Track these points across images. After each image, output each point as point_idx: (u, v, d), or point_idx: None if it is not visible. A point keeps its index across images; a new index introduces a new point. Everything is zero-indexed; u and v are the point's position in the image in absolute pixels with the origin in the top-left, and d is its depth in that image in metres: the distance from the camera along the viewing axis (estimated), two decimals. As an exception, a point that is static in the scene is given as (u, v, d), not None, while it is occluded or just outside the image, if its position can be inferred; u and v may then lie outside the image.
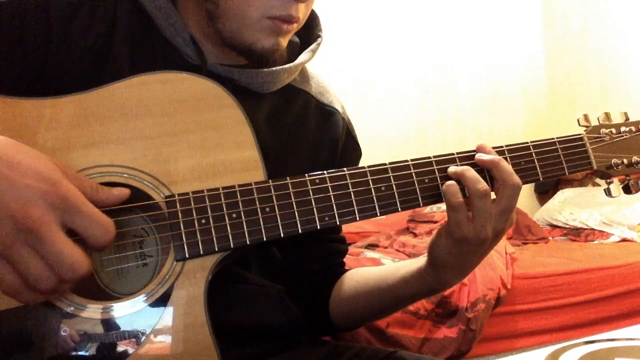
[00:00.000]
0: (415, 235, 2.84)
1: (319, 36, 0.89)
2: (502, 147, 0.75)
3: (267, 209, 0.66)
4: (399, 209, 0.71)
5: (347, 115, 0.94)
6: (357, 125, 0.96)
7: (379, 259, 2.33)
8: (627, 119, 0.83)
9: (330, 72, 1.79)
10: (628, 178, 0.81)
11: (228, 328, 0.72)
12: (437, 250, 0.75)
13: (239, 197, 0.65)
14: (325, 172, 0.69)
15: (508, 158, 0.75)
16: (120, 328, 0.61)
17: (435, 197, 0.72)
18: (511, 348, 2.27)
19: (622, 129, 0.82)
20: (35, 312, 0.59)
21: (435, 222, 2.85)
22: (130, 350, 0.61)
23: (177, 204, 0.64)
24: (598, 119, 0.82)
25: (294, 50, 0.87)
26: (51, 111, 0.64)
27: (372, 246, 2.65)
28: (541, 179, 0.76)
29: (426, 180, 0.72)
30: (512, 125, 3.93)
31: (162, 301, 0.62)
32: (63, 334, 0.59)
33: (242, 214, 0.65)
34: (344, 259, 0.94)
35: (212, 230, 0.64)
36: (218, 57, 0.80)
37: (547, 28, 4.08)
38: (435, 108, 3.72)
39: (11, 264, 0.51)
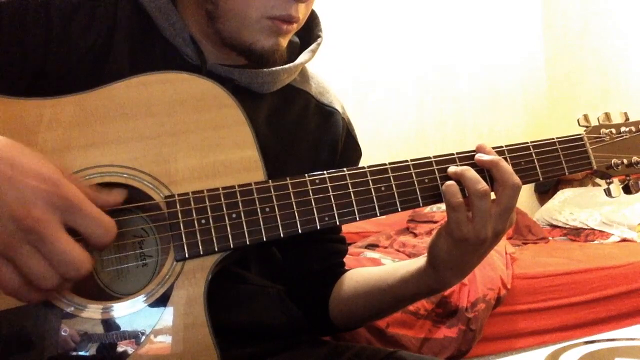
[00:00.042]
0: (415, 235, 2.84)
1: (319, 36, 0.89)
2: (502, 147, 0.75)
3: (267, 209, 0.66)
4: (399, 209, 0.71)
5: (347, 115, 0.94)
6: (357, 125, 0.96)
7: (379, 259, 2.32)
8: (627, 119, 0.83)
9: (330, 72, 1.78)
10: (628, 178, 0.81)
11: (228, 328, 0.72)
12: (437, 250, 0.75)
13: (238, 197, 0.65)
14: (325, 172, 0.69)
15: (508, 158, 0.74)
16: (120, 328, 0.61)
17: (435, 197, 0.72)
18: (511, 348, 2.27)
19: (622, 129, 0.82)
20: (36, 313, 0.59)
21: (435, 222, 2.85)
22: (130, 350, 0.61)
23: (177, 204, 0.64)
24: (598, 119, 0.82)
25: (294, 51, 0.87)
26: (51, 111, 0.64)
27: (372, 246, 2.65)
28: (541, 179, 0.76)
29: (426, 181, 0.72)
30: (512, 125, 3.93)
31: (162, 301, 0.62)
32: (63, 334, 0.59)
33: (242, 214, 0.65)
34: (344, 259, 0.95)
35: (212, 230, 0.64)
36: (218, 57, 0.80)
37: (547, 28, 4.08)
38: (435, 108, 3.72)
39: (13, 263, 0.51)
